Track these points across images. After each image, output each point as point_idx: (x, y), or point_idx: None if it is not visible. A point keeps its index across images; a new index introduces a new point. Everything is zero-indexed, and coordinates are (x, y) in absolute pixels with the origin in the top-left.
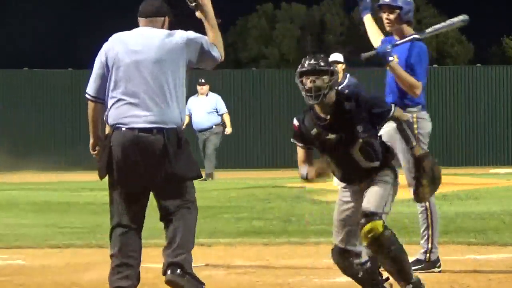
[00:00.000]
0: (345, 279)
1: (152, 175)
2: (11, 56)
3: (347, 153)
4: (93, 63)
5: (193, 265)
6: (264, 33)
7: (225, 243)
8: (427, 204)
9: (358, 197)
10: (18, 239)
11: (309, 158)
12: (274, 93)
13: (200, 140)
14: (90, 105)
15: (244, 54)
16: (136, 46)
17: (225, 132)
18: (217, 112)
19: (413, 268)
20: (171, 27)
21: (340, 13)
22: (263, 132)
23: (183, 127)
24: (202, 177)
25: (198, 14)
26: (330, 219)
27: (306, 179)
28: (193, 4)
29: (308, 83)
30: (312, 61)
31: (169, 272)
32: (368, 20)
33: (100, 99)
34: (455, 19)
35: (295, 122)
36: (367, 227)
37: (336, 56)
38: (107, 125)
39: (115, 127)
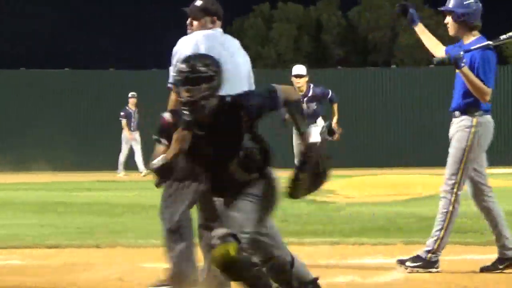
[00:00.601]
0: (344, 279)
1: None
2: (8, 56)
3: (223, 167)
4: (92, 63)
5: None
6: (261, 33)
7: None
8: (451, 208)
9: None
10: (15, 239)
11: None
12: None
13: None
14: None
15: None
16: None
17: None
18: None
19: (411, 264)
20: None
21: (337, 13)
22: (260, 132)
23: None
24: None
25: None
26: (329, 219)
27: (162, 165)
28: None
29: (184, 94)
30: (185, 67)
31: None
32: (419, 29)
33: None
34: None
35: (167, 116)
36: (217, 250)
37: (299, 69)
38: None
39: None
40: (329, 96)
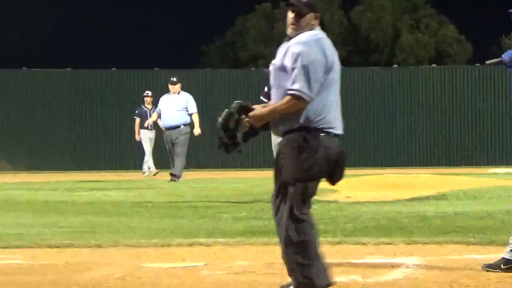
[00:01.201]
0: (346, 278)
1: None
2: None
3: None
4: (92, 63)
5: (191, 264)
6: (263, 33)
7: (224, 243)
8: None
9: None
10: (17, 239)
11: None
12: None
13: (168, 138)
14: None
15: (243, 53)
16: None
17: (194, 133)
18: (187, 111)
19: (503, 267)
20: None
21: (339, 12)
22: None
23: (150, 123)
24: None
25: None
26: (330, 218)
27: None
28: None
29: None
30: None
31: None
32: None
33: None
34: None
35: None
36: None
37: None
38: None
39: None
40: None
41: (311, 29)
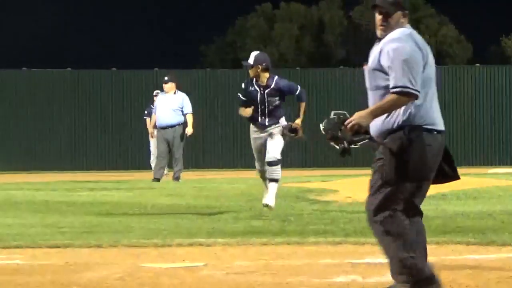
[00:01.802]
0: (346, 278)
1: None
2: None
3: None
4: (92, 63)
5: (191, 264)
6: (263, 33)
7: (224, 243)
8: None
9: None
10: (17, 239)
11: None
12: None
13: (161, 138)
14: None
15: (243, 54)
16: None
17: (186, 132)
18: (182, 111)
19: None
20: None
21: (339, 12)
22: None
23: (151, 125)
24: None
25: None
26: (331, 218)
27: None
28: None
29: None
30: None
31: None
32: None
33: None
34: None
35: None
36: None
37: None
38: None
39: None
40: (297, 93)
41: (401, 28)
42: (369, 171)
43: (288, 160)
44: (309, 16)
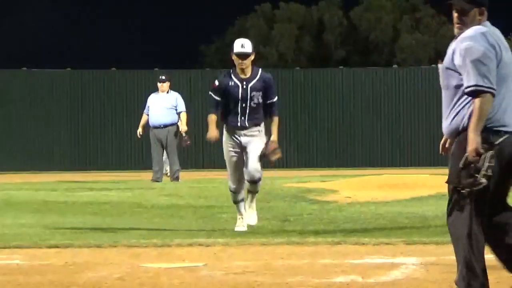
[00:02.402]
0: (345, 279)
1: None
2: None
3: None
4: (92, 63)
5: (191, 264)
6: (263, 33)
7: (223, 243)
8: None
9: None
10: (16, 239)
11: None
12: None
13: (155, 138)
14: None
15: None
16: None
17: (180, 130)
18: (176, 110)
19: None
20: None
21: (339, 13)
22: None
23: (141, 125)
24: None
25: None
26: (330, 218)
27: None
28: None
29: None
30: None
31: None
32: None
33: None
34: None
35: None
36: None
37: (243, 45)
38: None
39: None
40: (274, 99)
41: (478, 25)
42: (369, 171)
43: (288, 160)
44: (308, 16)
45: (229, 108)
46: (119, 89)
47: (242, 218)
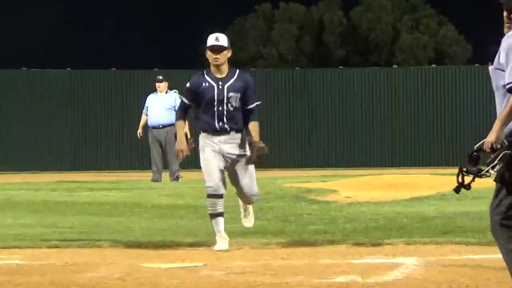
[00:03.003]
0: (345, 279)
1: None
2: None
3: None
4: (92, 63)
5: (191, 265)
6: (262, 33)
7: None
8: None
9: None
10: (16, 239)
11: None
12: (272, 93)
13: (153, 138)
14: None
15: (243, 54)
16: None
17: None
18: (175, 110)
19: None
20: None
21: (339, 13)
22: (261, 132)
23: (140, 126)
24: None
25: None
26: (330, 218)
27: None
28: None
29: None
30: None
31: None
32: None
33: None
34: None
35: None
36: None
37: (218, 39)
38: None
39: None
40: (256, 103)
41: None
42: (369, 171)
43: (288, 160)
44: (308, 16)
45: (204, 113)
46: (119, 89)
47: (221, 234)
